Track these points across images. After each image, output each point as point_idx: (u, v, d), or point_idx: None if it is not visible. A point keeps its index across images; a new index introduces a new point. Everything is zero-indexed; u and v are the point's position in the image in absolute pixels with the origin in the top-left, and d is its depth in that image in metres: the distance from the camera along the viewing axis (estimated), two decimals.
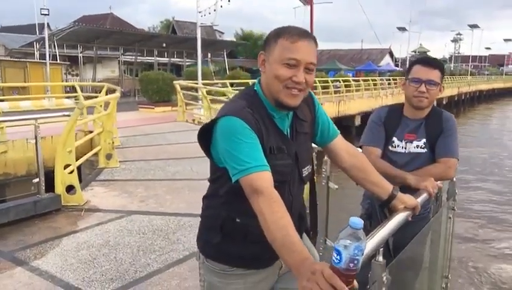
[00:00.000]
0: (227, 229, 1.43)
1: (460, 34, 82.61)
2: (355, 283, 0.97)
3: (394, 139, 2.17)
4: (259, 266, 1.48)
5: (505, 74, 76.92)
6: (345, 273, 0.94)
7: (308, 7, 36.62)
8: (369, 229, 2.03)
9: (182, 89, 12.84)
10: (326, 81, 21.65)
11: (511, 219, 9.17)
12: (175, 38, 31.38)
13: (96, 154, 6.65)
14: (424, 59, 2.15)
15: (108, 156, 6.64)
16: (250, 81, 18.10)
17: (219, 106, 11.86)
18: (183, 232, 3.98)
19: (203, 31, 15.09)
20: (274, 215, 1.15)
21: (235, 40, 43.31)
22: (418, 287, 2.29)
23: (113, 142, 6.80)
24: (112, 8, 54.15)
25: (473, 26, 62.88)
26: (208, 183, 1.57)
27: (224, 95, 11.39)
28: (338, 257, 0.94)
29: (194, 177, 6.14)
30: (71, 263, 3.31)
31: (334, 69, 39.94)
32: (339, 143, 1.62)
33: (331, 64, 43.19)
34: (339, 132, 1.64)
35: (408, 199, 1.61)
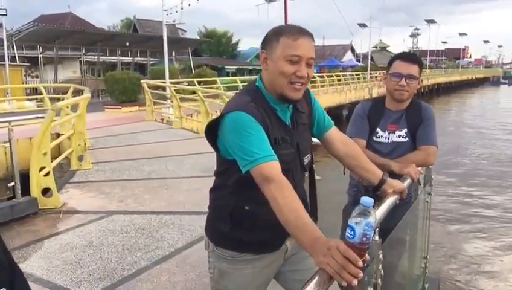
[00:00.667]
0: (237, 217, 1.52)
1: (418, 29, 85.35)
2: (367, 255, 1.08)
3: (378, 130, 2.32)
4: (266, 251, 1.58)
5: (461, 67, 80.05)
6: (358, 247, 1.05)
7: (272, 4, 36.83)
8: None
9: (149, 88, 12.72)
10: None
11: (475, 202, 9.67)
12: (138, 37, 30.90)
13: (66, 156, 6.55)
14: (403, 55, 2.30)
15: (81, 158, 6.55)
16: (218, 79, 18.14)
17: (188, 104, 11.86)
18: (166, 230, 4.02)
19: (167, 30, 14.95)
20: (286, 199, 1.25)
21: (198, 38, 43.02)
22: (400, 267, 2.45)
23: (85, 144, 6.71)
24: (69, 7, 52.57)
25: (430, 22, 64.93)
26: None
27: (194, 93, 11.37)
28: (352, 233, 1.05)
29: (170, 175, 6.16)
30: (56, 264, 3.30)
31: None
32: (334, 133, 1.74)
33: None
34: (333, 123, 1.76)
35: (397, 183, 1.75)
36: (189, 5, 15.01)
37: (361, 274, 1.04)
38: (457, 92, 57.14)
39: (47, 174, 4.69)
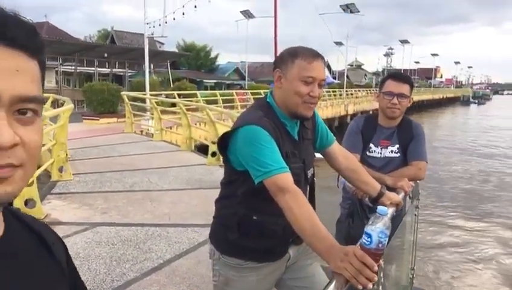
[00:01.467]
0: (244, 226, 1.58)
1: (392, 49, 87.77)
2: (381, 261, 1.16)
3: (371, 145, 2.43)
4: (270, 259, 1.65)
5: (433, 87, 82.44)
6: (374, 252, 1.12)
7: (251, 20, 37.13)
8: (351, 226, 2.27)
9: (129, 100, 12.66)
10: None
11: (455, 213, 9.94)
12: (117, 48, 30.71)
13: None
14: (395, 75, 2.43)
15: (61, 169, 6.46)
16: (198, 92, 18.18)
17: (168, 117, 11.84)
18: (153, 242, 4.01)
19: (144, 42, 14.99)
20: (302, 208, 1.32)
21: (177, 51, 43.06)
22: (390, 278, 2.54)
23: (66, 155, 6.63)
24: (46, 16, 51.85)
25: (404, 42, 66.97)
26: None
27: (174, 105, 11.37)
28: (369, 239, 1.12)
29: (153, 188, 6.14)
30: None
31: None
32: (336, 148, 1.83)
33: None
34: (334, 138, 1.85)
35: (394, 196, 1.85)
36: (174, 19, 15.07)
37: (376, 278, 1.12)
38: (428, 110, 58.71)
39: (30, 184, 4.61)
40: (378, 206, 1.17)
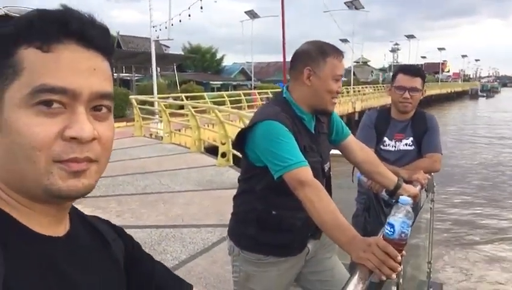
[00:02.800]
0: (263, 221, 1.59)
1: (398, 44, 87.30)
2: (404, 252, 1.16)
3: (385, 139, 2.42)
4: (290, 254, 1.66)
5: (440, 81, 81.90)
6: (397, 242, 1.13)
7: (255, 20, 37.19)
8: (368, 220, 2.27)
9: (137, 104, 12.73)
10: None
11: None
12: (123, 53, 30.85)
13: None
14: (406, 68, 2.42)
15: None
16: (205, 94, 18.23)
17: (176, 120, 11.89)
18: (167, 243, 4.03)
19: (151, 46, 15.08)
20: (322, 202, 1.33)
21: (183, 53, 43.21)
22: (407, 272, 2.53)
23: None
24: None
25: (410, 37, 66.63)
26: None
27: (182, 108, 11.41)
28: (392, 230, 1.13)
29: (165, 190, 6.17)
30: None
31: (282, 80, 40.78)
32: (352, 141, 1.84)
33: (280, 76, 44.08)
34: (350, 131, 1.85)
35: (411, 188, 1.85)
36: (180, 21, 15.14)
37: (399, 268, 1.12)
38: (436, 105, 58.22)
39: None
40: (400, 197, 1.17)
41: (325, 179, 1.74)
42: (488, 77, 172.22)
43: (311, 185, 1.36)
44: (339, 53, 1.58)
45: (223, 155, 7.64)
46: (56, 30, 0.57)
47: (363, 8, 41.53)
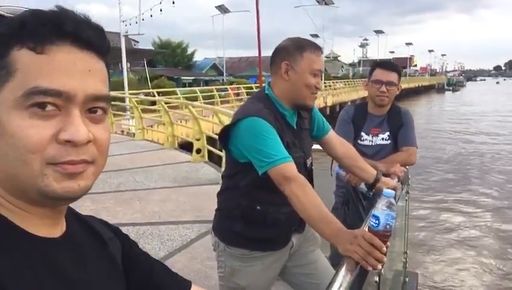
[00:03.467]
0: (248, 216, 1.62)
1: (367, 40, 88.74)
2: (388, 243, 1.20)
3: (362, 133, 2.48)
4: (275, 248, 1.68)
5: (408, 76, 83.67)
6: (382, 234, 1.17)
7: (226, 15, 37.04)
8: (347, 213, 2.32)
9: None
10: (251, 87, 22.19)
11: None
12: None
13: None
14: (383, 63, 2.49)
15: None
16: (178, 90, 18.05)
17: (149, 116, 11.74)
18: (145, 240, 4.00)
19: (120, 41, 14.79)
20: (308, 196, 1.36)
21: (153, 48, 42.58)
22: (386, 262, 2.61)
23: None
24: None
25: (379, 32, 67.79)
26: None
27: (153, 103, 11.28)
28: (377, 222, 1.16)
29: (140, 187, 6.10)
30: None
31: (254, 76, 40.80)
32: (332, 136, 1.88)
33: (252, 71, 44.11)
34: (330, 126, 1.89)
35: (389, 181, 1.90)
36: (151, 16, 14.90)
37: (385, 259, 1.16)
38: (405, 100, 59.48)
39: None
40: (384, 189, 1.21)
41: (307, 173, 1.77)
42: (453, 71, 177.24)
43: (297, 180, 1.39)
44: (316, 48, 1.61)
45: (198, 151, 7.60)
46: (50, 31, 0.56)
47: (333, 3, 41.99)
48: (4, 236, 0.57)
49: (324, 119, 1.87)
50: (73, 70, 0.57)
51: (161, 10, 15.34)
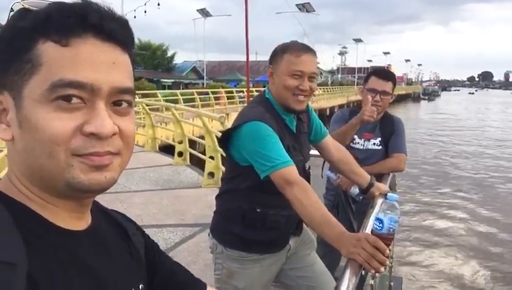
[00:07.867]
0: (248, 218, 1.62)
1: (346, 48, 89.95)
2: (391, 246, 1.22)
3: (355, 137, 2.51)
4: (273, 250, 1.70)
5: None
6: (385, 237, 1.19)
7: (208, 19, 36.94)
8: (337, 217, 2.34)
9: None
10: (231, 92, 22.18)
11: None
12: None
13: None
14: (379, 72, 2.52)
15: None
16: (158, 92, 17.89)
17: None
18: None
19: None
20: (310, 199, 1.37)
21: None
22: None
23: None
24: None
25: (357, 40, 68.81)
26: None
27: (134, 105, 11.11)
28: (380, 225, 1.19)
29: (121, 189, 6.02)
30: None
31: (234, 80, 40.87)
32: (329, 140, 1.90)
33: (232, 75, 44.19)
34: (327, 131, 1.92)
35: (382, 186, 1.94)
36: (135, 17, 14.74)
37: (387, 262, 1.18)
38: None
39: None
40: (388, 193, 1.24)
41: (306, 177, 1.79)
42: (429, 80, 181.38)
43: (299, 184, 1.40)
44: (300, 50, 1.58)
45: (180, 154, 7.55)
46: (74, 23, 0.56)
47: (314, 11, 42.46)
48: (32, 229, 0.57)
49: (322, 123, 1.89)
50: (97, 62, 0.57)
51: (145, 12, 15.20)
